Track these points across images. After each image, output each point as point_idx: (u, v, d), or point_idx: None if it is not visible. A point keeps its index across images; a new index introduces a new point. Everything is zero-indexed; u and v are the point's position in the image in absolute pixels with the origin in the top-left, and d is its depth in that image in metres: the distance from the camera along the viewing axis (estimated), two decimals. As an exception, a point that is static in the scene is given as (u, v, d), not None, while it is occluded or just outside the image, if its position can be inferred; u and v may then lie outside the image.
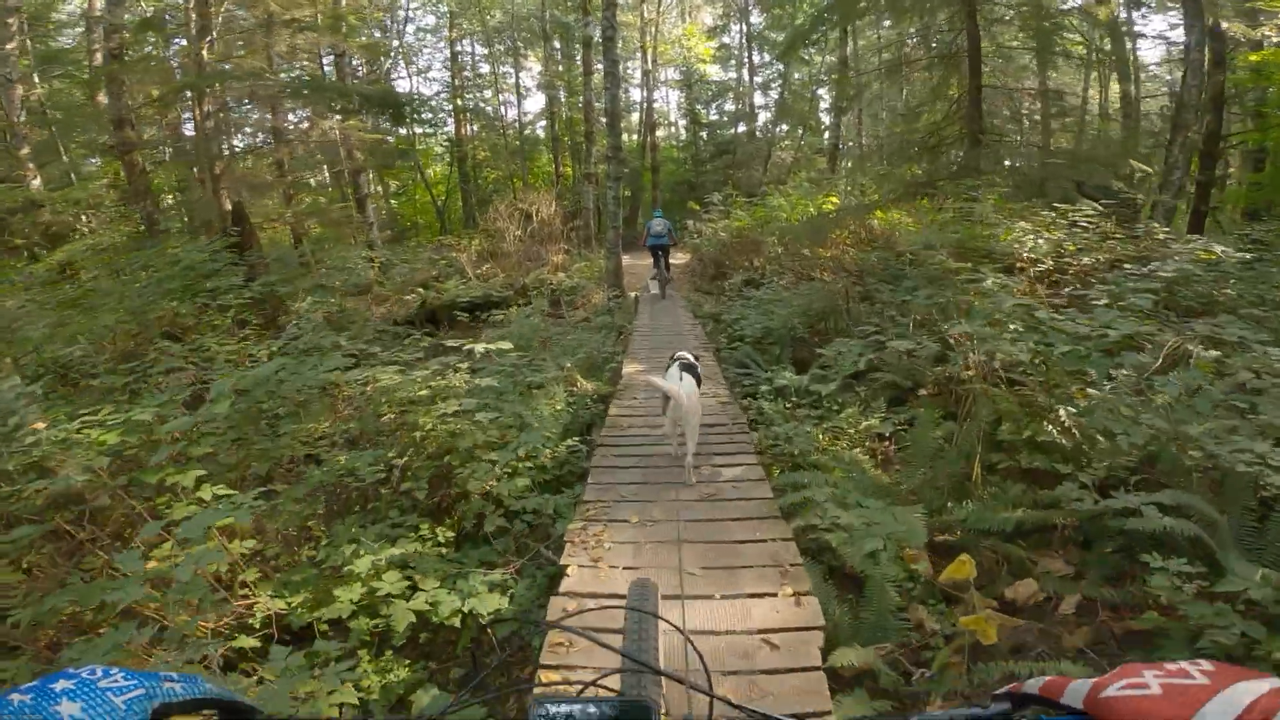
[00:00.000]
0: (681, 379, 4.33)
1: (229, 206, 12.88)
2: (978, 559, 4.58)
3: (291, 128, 13.54)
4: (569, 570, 3.23)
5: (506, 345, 4.75)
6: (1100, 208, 6.96)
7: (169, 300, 7.57)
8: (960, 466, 4.78)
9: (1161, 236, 6.14)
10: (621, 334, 10.37)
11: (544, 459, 4.76)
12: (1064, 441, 3.78)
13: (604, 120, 12.06)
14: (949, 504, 4.56)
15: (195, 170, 14.36)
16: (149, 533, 3.22)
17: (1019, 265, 6.09)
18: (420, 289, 14.26)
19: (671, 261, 14.90)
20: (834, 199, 16.04)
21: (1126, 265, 5.32)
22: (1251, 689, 0.48)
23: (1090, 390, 3.43)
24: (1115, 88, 20.49)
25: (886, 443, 5.86)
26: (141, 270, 9.28)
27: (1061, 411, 3.81)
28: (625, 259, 23.20)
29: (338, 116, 12.83)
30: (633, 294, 14.40)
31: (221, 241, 9.40)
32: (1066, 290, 5.05)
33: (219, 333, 7.81)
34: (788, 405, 6.24)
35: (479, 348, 4.52)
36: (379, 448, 4.82)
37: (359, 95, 11.42)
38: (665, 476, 4.30)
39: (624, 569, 3.19)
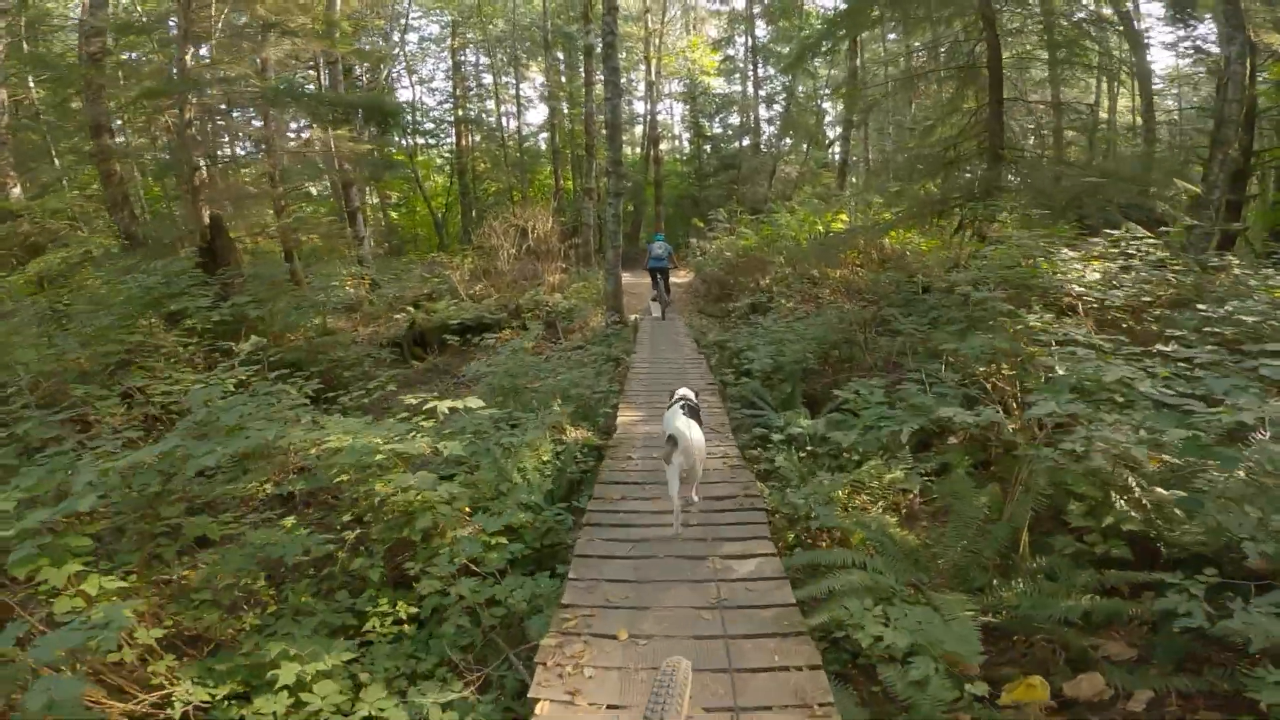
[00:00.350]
0: (689, 424, 4.17)
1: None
2: (1029, 646, 3.89)
3: (278, 138, 12.93)
4: (540, 708, 2.54)
5: (476, 403, 4.03)
6: (1146, 233, 6.27)
7: (119, 327, 6.89)
8: (1007, 537, 4.12)
9: (1237, 271, 5.42)
10: (619, 366, 9.70)
11: (525, 528, 4.08)
12: (1153, 531, 3.10)
13: (605, 132, 11.48)
14: (994, 581, 3.92)
15: (178, 181, 13.77)
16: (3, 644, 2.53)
17: (1070, 302, 5.38)
18: (410, 308, 13.62)
19: (674, 280, 14.68)
20: (844, 217, 15.41)
21: (1199, 305, 4.61)
22: None
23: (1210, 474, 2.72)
24: (1124, 102, 19.89)
25: (913, 496, 5.19)
26: (104, 287, 8.65)
27: (1138, 496, 3.14)
28: (626, 277, 22.23)
29: (309, 126, 12.25)
30: (633, 316, 13.73)
31: (189, 258, 8.74)
32: (1139, 342, 4.32)
33: (178, 362, 7.16)
34: (802, 454, 5.55)
35: (443, 407, 3.82)
36: (331, 509, 4.16)
37: (343, 104, 10.82)
38: (662, 571, 3.59)
39: (606, 708, 2.49)
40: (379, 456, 3.48)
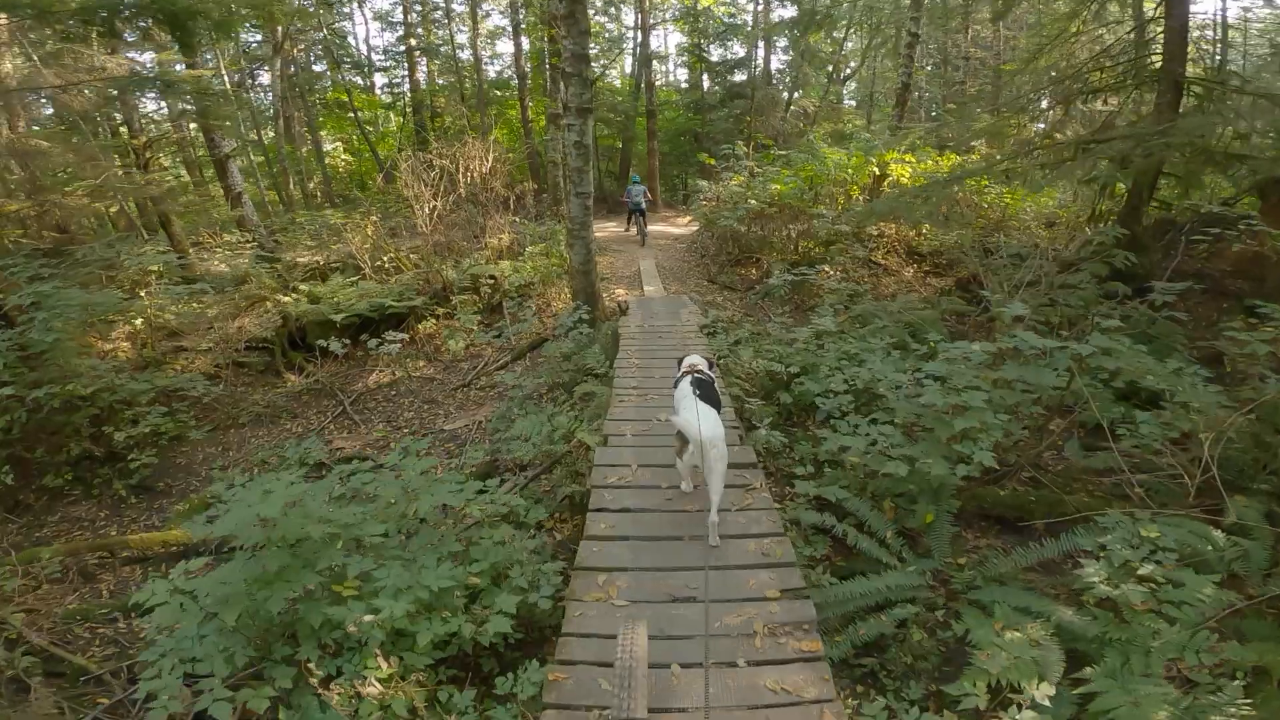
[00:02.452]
0: (704, 413, 3.34)
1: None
2: None
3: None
4: None
5: None
6: None
7: None
8: None
9: None
10: (583, 409, 5.69)
11: None
12: None
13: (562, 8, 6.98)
14: None
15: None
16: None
17: None
18: (292, 293, 9.35)
19: (672, 231, 14.26)
20: (948, 157, 10.99)
21: None
22: None
23: None
24: None
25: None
26: None
27: None
28: (609, 228, 18.16)
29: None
30: (621, 296, 9.46)
31: None
32: None
33: None
34: None
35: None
36: None
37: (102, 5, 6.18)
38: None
39: None
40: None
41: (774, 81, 23.99)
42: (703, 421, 3.24)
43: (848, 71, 26.79)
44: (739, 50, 24.23)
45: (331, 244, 9.82)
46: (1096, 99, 9.02)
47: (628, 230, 15.94)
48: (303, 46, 22.87)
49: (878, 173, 10.88)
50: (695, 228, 15.64)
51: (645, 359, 6.60)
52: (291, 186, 18.14)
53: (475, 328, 8.49)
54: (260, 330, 8.92)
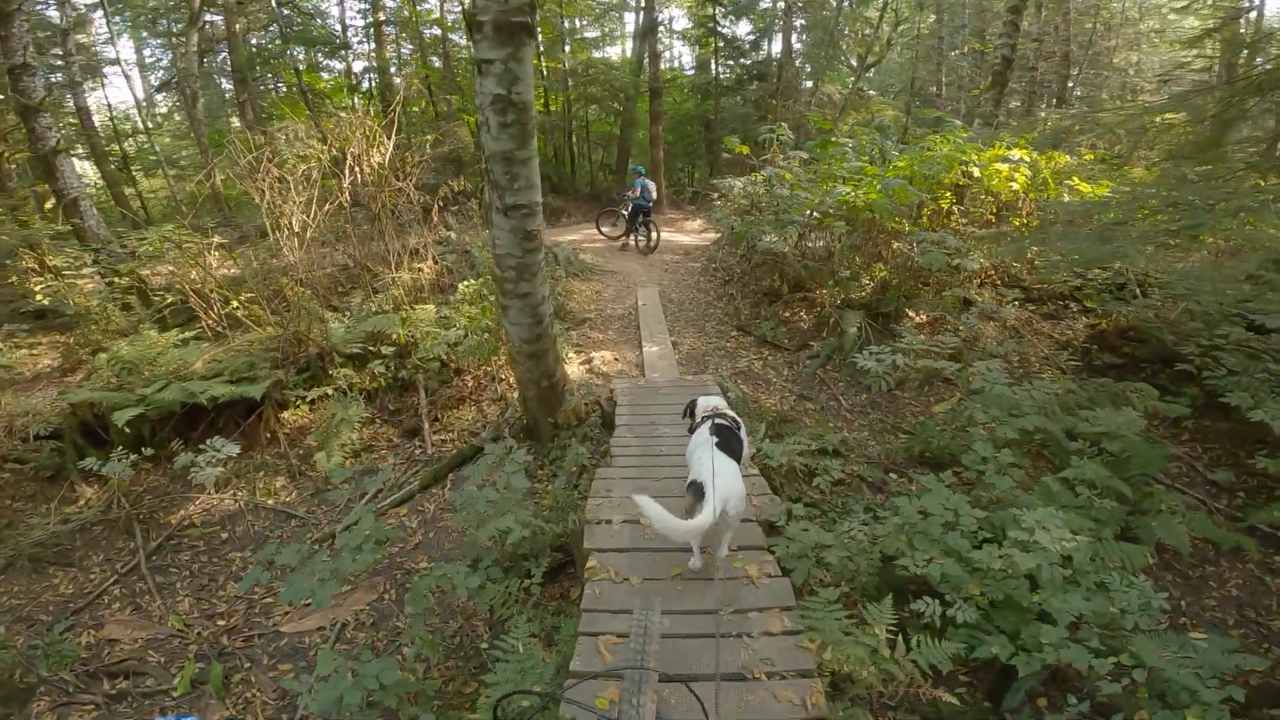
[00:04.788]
0: (722, 464, 2.91)
1: None
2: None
3: None
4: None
5: None
6: None
7: None
8: None
9: None
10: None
11: None
12: None
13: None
14: None
15: None
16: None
17: None
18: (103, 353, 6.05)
19: (687, 241, 12.86)
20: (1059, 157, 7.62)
21: None
22: None
23: None
24: None
25: None
26: None
27: None
28: (585, 232, 14.86)
29: None
30: (602, 382, 6.11)
31: None
32: None
33: None
34: None
35: None
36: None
37: None
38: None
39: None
40: None
41: (796, 62, 20.58)
42: (719, 478, 2.74)
43: (878, 54, 23.33)
44: (749, 32, 20.80)
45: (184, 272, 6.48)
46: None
47: (627, 241, 12.56)
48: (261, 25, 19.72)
49: (976, 174, 7.50)
50: (713, 236, 12.27)
51: (646, 560, 3.29)
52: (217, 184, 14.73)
53: (358, 428, 5.22)
54: (44, 420, 5.65)
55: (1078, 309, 7.75)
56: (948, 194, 7.30)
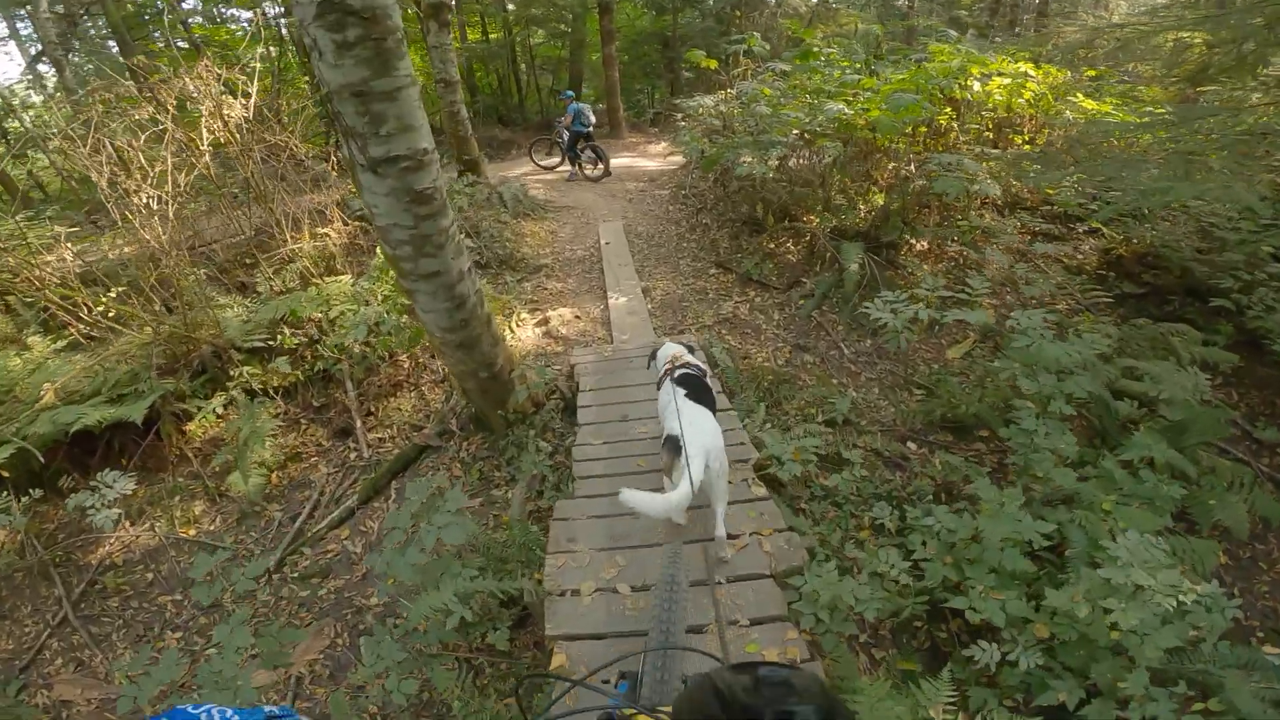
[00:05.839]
0: (697, 414, 2.72)
1: None
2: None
3: None
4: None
5: None
6: None
7: None
8: None
9: None
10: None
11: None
12: None
13: None
14: None
15: None
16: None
17: None
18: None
19: (651, 167, 11.95)
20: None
21: None
22: None
23: None
24: None
25: None
26: None
27: None
28: (531, 172, 12.66)
29: None
30: (575, 361, 5.20)
31: None
32: None
33: None
34: None
35: None
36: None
37: None
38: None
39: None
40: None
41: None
42: (696, 433, 2.55)
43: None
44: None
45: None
46: None
47: (575, 171, 11.41)
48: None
49: (978, 89, 6.52)
50: (680, 161, 11.18)
51: (631, 648, 2.56)
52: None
53: (278, 434, 4.35)
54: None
55: (1084, 230, 7.03)
56: (947, 110, 6.38)
